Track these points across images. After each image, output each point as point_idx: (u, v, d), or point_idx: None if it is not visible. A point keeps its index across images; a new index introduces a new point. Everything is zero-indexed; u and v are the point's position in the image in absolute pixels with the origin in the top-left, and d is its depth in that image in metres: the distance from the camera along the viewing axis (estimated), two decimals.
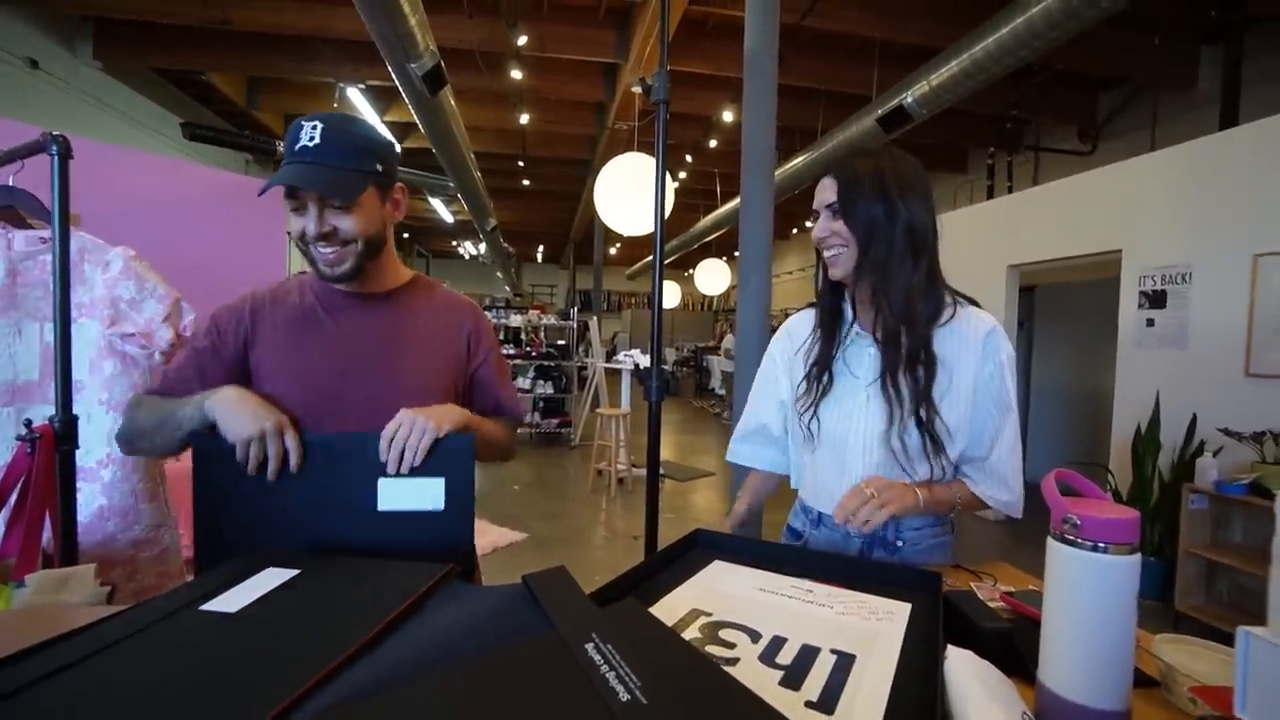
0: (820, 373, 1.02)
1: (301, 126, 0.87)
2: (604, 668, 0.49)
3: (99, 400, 1.27)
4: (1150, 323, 3.25)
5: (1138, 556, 0.49)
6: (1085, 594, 0.50)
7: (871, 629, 0.67)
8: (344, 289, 0.98)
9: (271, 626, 0.59)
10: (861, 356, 1.00)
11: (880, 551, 1.00)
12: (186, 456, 0.91)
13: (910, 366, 0.92)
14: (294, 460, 0.82)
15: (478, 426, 0.92)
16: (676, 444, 7.31)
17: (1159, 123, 5.08)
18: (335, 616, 0.61)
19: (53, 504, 1.19)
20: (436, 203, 10.20)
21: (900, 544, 0.99)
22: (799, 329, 1.10)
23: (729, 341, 9.73)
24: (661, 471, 5.56)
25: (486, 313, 6.46)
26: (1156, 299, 3.22)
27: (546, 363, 6.97)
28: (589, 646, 0.52)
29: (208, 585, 0.67)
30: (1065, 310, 5.10)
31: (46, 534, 1.20)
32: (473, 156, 6.65)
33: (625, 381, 5.92)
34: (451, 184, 7.12)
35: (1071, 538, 0.51)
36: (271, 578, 0.69)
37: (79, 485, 1.28)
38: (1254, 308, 2.77)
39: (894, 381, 0.93)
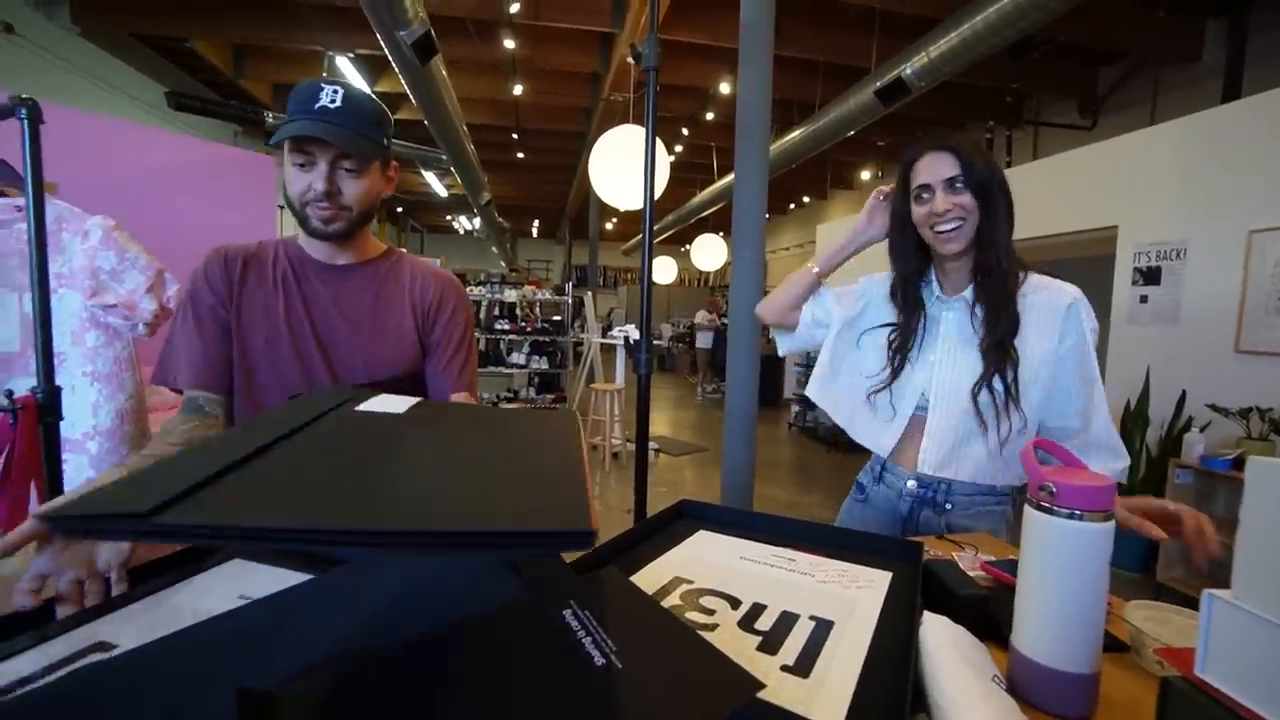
0: (904, 348, 1.07)
1: (321, 87, 0.88)
2: (580, 633, 0.49)
3: (83, 372, 1.26)
4: (1144, 299, 3.26)
5: (1111, 523, 0.50)
6: (1059, 559, 0.50)
7: (851, 597, 0.67)
8: (318, 257, 0.97)
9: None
10: (948, 322, 1.04)
11: (928, 511, 1.04)
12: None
13: (1001, 326, 0.97)
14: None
15: None
16: (671, 419, 7.35)
17: (1160, 97, 5.02)
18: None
19: (39, 475, 1.19)
20: (430, 176, 10.06)
21: (949, 506, 1.02)
22: (875, 292, 1.15)
23: (700, 317, 9.69)
24: (655, 446, 5.59)
25: (480, 288, 6.38)
26: (1151, 275, 3.21)
27: (541, 338, 6.95)
28: (566, 612, 0.52)
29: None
30: None
31: (34, 506, 1.20)
32: (465, 129, 6.54)
33: (620, 357, 5.92)
34: (444, 157, 7.01)
35: (1048, 505, 0.51)
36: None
37: (66, 457, 1.28)
38: (1247, 284, 2.77)
39: (993, 340, 0.97)
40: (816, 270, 1.18)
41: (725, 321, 7.72)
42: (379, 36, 3.83)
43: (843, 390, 1.17)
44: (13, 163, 1.24)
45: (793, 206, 12.30)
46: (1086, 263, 4.45)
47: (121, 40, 5.87)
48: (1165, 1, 4.30)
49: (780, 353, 1.31)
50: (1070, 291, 0.98)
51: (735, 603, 0.65)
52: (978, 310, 1.00)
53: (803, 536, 0.83)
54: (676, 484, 4.65)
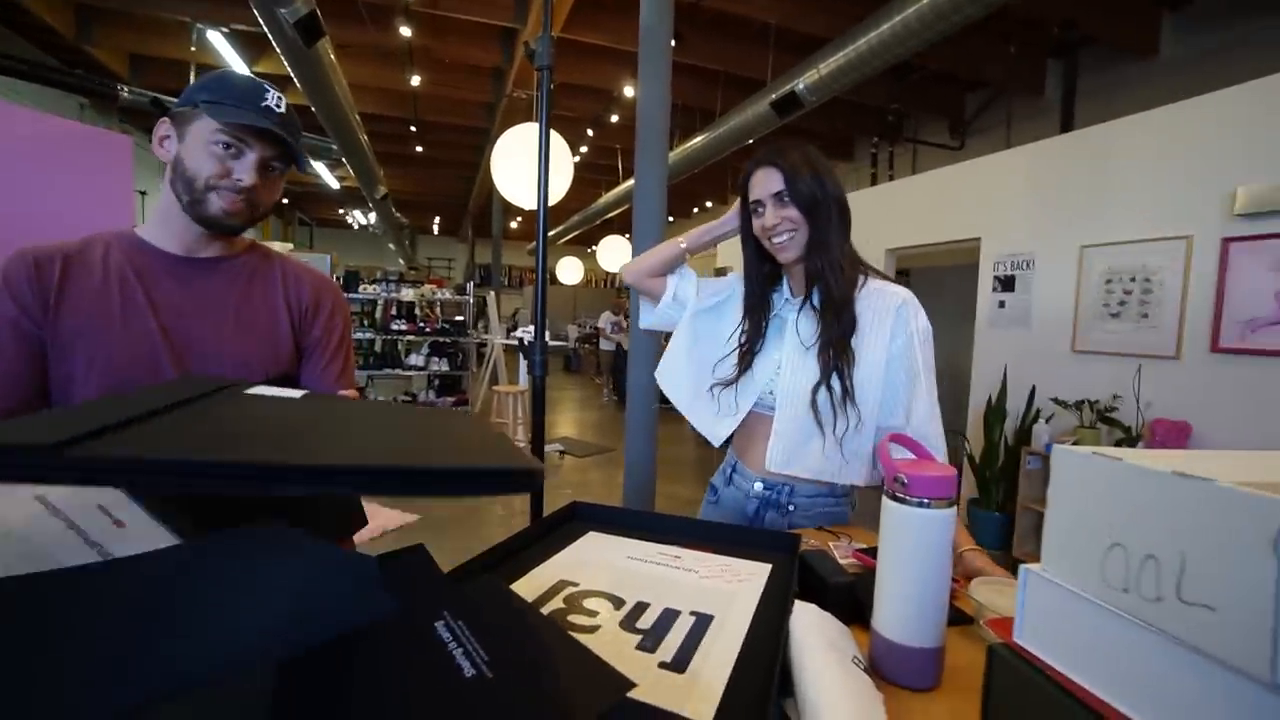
0: (750, 348, 1.10)
1: (266, 88, 0.86)
2: (452, 645, 0.48)
3: None
4: (1002, 304, 3.63)
5: (954, 510, 0.54)
6: (911, 543, 0.55)
7: (731, 590, 0.69)
8: (174, 250, 0.88)
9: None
10: (794, 324, 1.08)
11: (772, 513, 1.06)
12: None
13: (843, 326, 1.01)
14: None
15: None
16: (577, 420, 7.32)
17: (1013, 123, 5.62)
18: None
19: None
20: (320, 166, 9.41)
21: (792, 508, 1.05)
22: (737, 291, 1.19)
23: (605, 319, 9.75)
24: (561, 448, 5.55)
25: (376, 286, 6.04)
26: (1007, 283, 3.59)
27: (442, 339, 6.70)
28: (439, 625, 0.50)
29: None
30: (936, 292, 5.57)
31: None
32: (358, 118, 6.18)
33: (524, 359, 5.82)
34: (335, 146, 6.59)
35: (901, 495, 0.55)
36: None
37: None
38: (1079, 292, 3.16)
39: (832, 345, 1.01)
40: (684, 245, 1.22)
41: (625, 321, 7.80)
42: (256, 12, 3.54)
43: (686, 379, 1.21)
44: None
45: (696, 210, 12.64)
46: (958, 270, 4.90)
47: None
48: (1015, 39, 4.83)
49: (640, 325, 1.34)
50: (900, 293, 1.03)
51: (619, 603, 0.65)
52: (818, 310, 1.05)
53: (688, 533, 0.85)
54: (581, 485, 4.63)
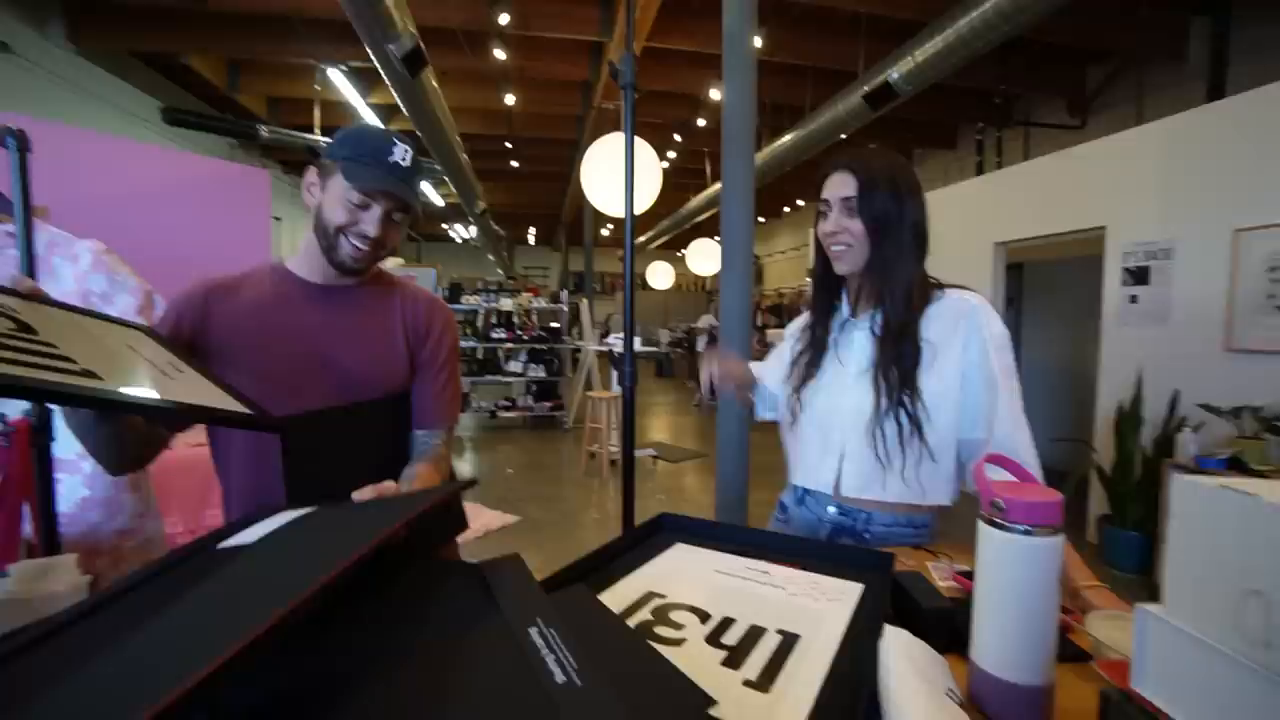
0: (812, 357, 1.07)
1: (395, 143, 0.95)
2: (544, 650, 0.51)
3: None
4: (1133, 299, 3.27)
5: (1060, 538, 0.51)
6: (1010, 574, 0.52)
7: (820, 610, 0.68)
8: (314, 280, 1.00)
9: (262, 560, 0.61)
10: (851, 344, 1.04)
11: (848, 538, 1.02)
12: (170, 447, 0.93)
13: (901, 358, 0.96)
14: None
15: None
16: (670, 425, 7.36)
17: (1146, 95, 5.05)
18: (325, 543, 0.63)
19: (32, 495, 1.20)
20: (425, 185, 10.09)
21: (868, 535, 1.01)
22: (799, 326, 1.17)
23: (704, 320, 9.66)
24: (654, 453, 5.60)
25: (476, 296, 6.41)
26: (1139, 275, 3.23)
27: (539, 345, 6.97)
28: (532, 631, 0.53)
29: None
30: (1052, 287, 5.12)
31: (29, 526, 1.22)
32: (459, 139, 6.57)
33: (614, 368, 5.93)
34: (438, 167, 7.05)
35: (999, 521, 0.52)
36: (285, 516, 0.70)
37: (61, 477, 1.29)
38: (1235, 283, 2.79)
39: (886, 373, 0.96)
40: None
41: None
42: (369, 50, 3.86)
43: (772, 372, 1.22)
44: (3, 187, 1.26)
45: (787, 210, 12.34)
46: (1079, 263, 4.47)
47: (119, 57, 5.91)
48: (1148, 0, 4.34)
49: (759, 418, 1.33)
50: (969, 299, 0.98)
51: (705, 617, 0.66)
52: (877, 337, 1.00)
53: (778, 548, 0.84)
54: (675, 490, 4.65)
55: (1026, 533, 0.51)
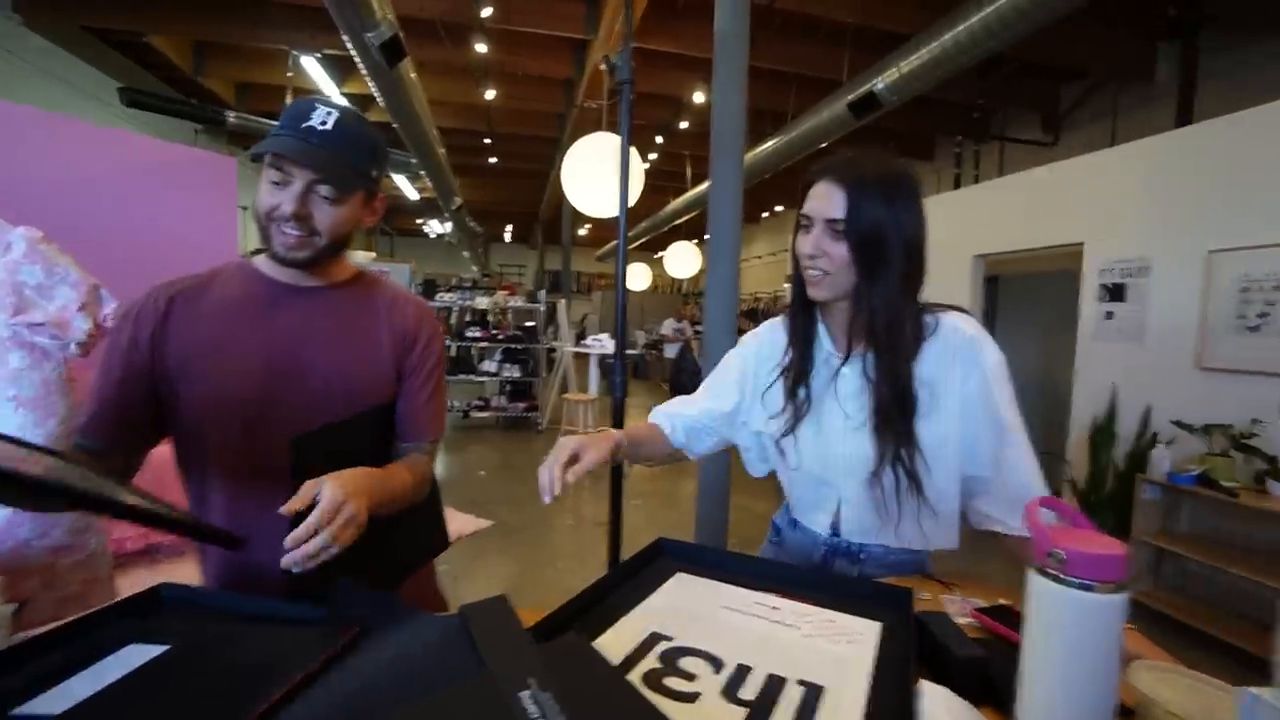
0: (795, 397, 0.94)
1: (315, 106, 0.83)
2: (539, 719, 0.44)
3: (6, 396, 1.16)
4: (1109, 315, 3.32)
5: (1125, 595, 0.46)
6: (1070, 633, 0.47)
7: (840, 655, 0.63)
8: (283, 279, 0.90)
9: None
10: (841, 387, 0.91)
11: (842, 560, 0.97)
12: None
13: (900, 408, 0.85)
14: None
15: (384, 496, 0.83)
16: None
17: (1119, 115, 5.17)
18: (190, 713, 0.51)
19: None
20: (400, 179, 9.87)
21: (864, 557, 0.95)
22: (777, 340, 1.00)
23: (667, 326, 9.53)
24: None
25: (452, 294, 6.25)
26: (1116, 292, 3.28)
27: (514, 345, 6.84)
28: (524, 695, 0.46)
29: (33, 675, 0.54)
30: (1029, 301, 5.20)
31: None
32: (436, 132, 6.42)
33: (594, 366, 5.86)
34: (414, 160, 6.88)
35: (1055, 573, 0.47)
36: (131, 658, 0.58)
37: None
38: (1207, 303, 2.84)
39: (885, 426, 0.85)
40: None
41: (699, 329, 7.70)
42: (345, 38, 3.72)
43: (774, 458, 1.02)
44: None
45: (765, 215, 12.41)
46: (1054, 277, 4.56)
47: (72, 32, 5.61)
48: (1121, 23, 4.44)
49: (754, 474, 1.12)
50: (963, 328, 0.87)
51: (718, 665, 0.60)
52: (872, 383, 0.88)
53: (786, 580, 0.79)
54: (650, 495, 4.59)
55: (1087, 588, 0.46)
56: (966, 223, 4.36)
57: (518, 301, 7.11)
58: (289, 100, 6.36)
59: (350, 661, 0.57)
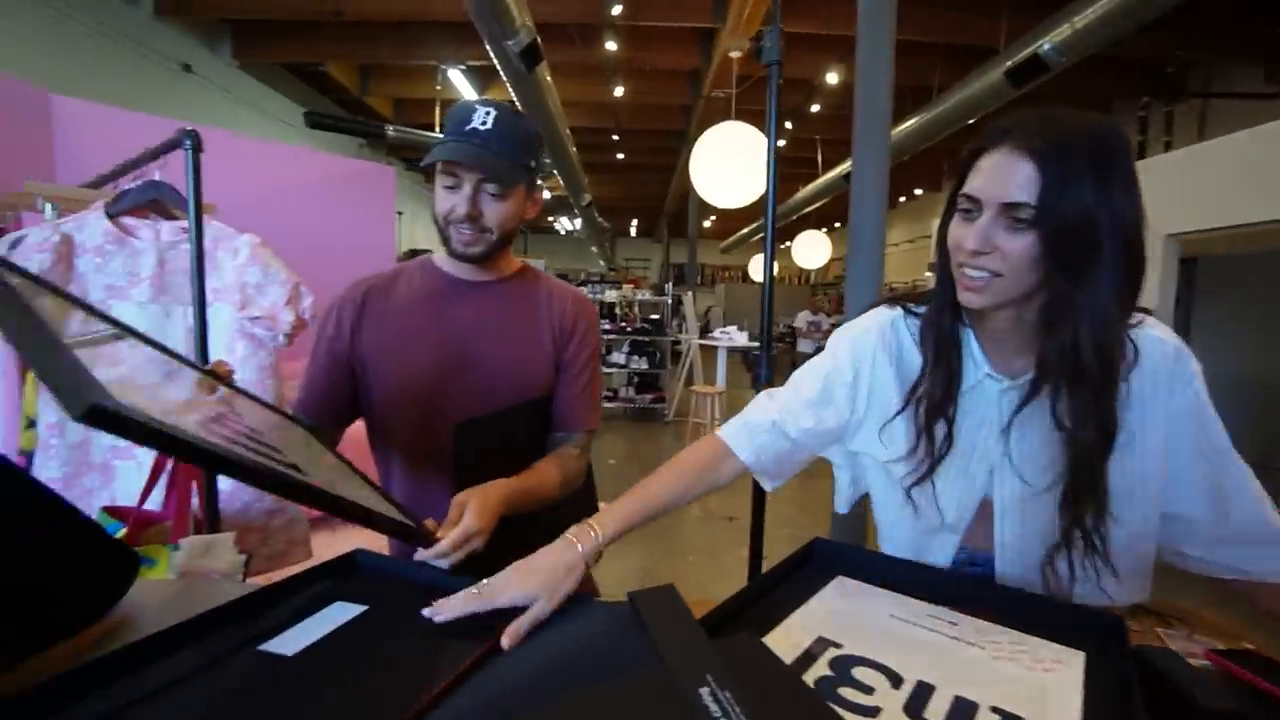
0: (931, 435, 0.73)
1: (474, 109, 0.88)
2: (719, 716, 0.43)
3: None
4: None
5: None
6: None
7: (1039, 683, 0.56)
8: (460, 275, 0.98)
9: (330, 675, 0.55)
10: (995, 402, 0.72)
11: (974, 569, 0.84)
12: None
13: (1104, 458, 0.64)
14: None
15: (524, 500, 0.86)
16: None
17: None
18: (394, 669, 0.56)
19: (199, 474, 1.29)
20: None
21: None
22: (904, 351, 0.78)
23: (801, 319, 9.06)
24: None
25: (582, 289, 6.54)
26: None
27: (641, 338, 6.98)
28: (704, 691, 0.46)
29: (268, 621, 0.63)
30: (1234, 286, 4.40)
31: (196, 502, 1.31)
32: (568, 131, 6.68)
33: (721, 358, 5.81)
34: (548, 160, 7.21)
35: None
36: (337, 614, 0.65)
37: None
38: None
39: (1087, 487, 0.65)
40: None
41: (835, 322, 7.35)
42: (488, 47, 3.97)
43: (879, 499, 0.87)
44: (180, 187, 1.36)
45: (903, 199, 11.60)
46: (1269, 256, 3.83)
47: (270, 69, 6.53)
48: None
49: (841, 510, 0.95)
50: (1168, 343, 0.68)
51: (896, 680, 0.56)
52: (1068, 433, 0.65)
53: (965, 595, 0.71)
54: (778, 490, 4.48)
55: None
56: (1156, 197, 3.74)
57: (645, 295, 7.24)
58: (438, 112, 6.98)
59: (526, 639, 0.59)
